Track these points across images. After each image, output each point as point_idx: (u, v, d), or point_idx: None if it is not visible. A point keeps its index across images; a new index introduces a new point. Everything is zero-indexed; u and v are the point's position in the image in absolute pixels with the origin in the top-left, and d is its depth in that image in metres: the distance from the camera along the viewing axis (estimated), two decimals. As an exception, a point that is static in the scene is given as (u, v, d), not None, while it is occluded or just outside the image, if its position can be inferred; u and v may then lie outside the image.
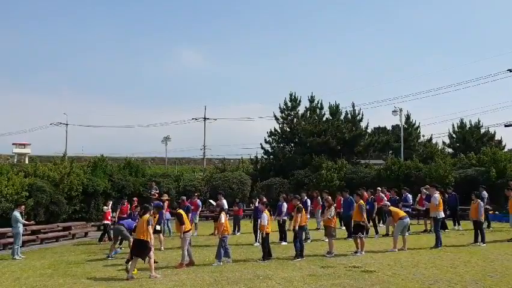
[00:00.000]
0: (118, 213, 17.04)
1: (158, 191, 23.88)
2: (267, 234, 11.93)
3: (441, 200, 14.14)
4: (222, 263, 11.21)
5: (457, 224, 18.11)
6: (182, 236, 11.12)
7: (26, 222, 14.85)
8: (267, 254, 11.80)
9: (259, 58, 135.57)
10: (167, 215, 16.96)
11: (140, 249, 10.07)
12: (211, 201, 18.75)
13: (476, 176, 25.31)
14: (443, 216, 14.14)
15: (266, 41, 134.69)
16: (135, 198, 19.18)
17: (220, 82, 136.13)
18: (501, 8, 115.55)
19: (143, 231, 10.11)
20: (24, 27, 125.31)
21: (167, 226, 17.38)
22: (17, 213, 13.74)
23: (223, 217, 11.71)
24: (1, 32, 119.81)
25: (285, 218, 15.16)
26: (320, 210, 17.74)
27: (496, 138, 44.35)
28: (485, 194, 17.52)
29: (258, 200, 16.27)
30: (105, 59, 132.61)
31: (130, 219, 13.95)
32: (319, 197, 18.38)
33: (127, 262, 11.58)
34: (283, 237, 15.12)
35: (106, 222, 16.48)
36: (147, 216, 10.38)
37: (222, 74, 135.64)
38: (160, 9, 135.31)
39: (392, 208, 14.16)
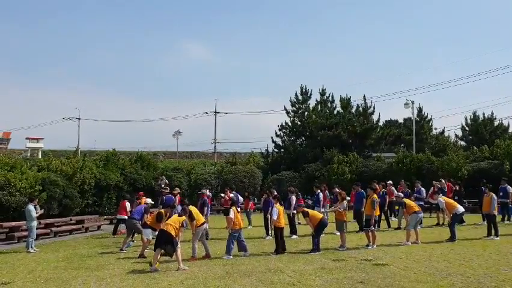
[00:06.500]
0: (133, 207, 17.05)
1: (168, 183, 23.96)
2: (280, 228, 11.89)
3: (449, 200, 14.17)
4: (231, 257, 11.21)
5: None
6: (194, 231, 11.15)
7: (40, 212, 14.77)
8: (280, 248, 11.76)
9: (268, 53, 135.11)
10: (178, 208, 16.98)
11: (166, 240, 9.97)
12: (222, 194, 18.80)
13: (489, 169, 25.04)
14: (463, 211, 13.99)
15: (275, 35, 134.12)
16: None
17: (230, 77, 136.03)
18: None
19: (172, 226, 10.07)
20: (35, 23, 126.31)
21: None
22: (30, 207, 13.90)
23: (232, 212, 11.64)
24: (13, 28, 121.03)
25: (295, 211, 15.13)
26: (328, 204, 17.72)
27: (509, 131, 43.78)
28: (509, 188, 17.48)
29: (266, 193, 16.13)
30: (115, 53, 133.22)
31: (137, 208, 14.00)
32: (326, 191, 18.34)
33: (139, 257, 11.69)
34: (293, 231, 15.10)
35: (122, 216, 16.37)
36: (184, 218, 10.57)
37: (232, 69, 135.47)
38: (169, 4, 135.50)
39: (406, 200, 14.01)
